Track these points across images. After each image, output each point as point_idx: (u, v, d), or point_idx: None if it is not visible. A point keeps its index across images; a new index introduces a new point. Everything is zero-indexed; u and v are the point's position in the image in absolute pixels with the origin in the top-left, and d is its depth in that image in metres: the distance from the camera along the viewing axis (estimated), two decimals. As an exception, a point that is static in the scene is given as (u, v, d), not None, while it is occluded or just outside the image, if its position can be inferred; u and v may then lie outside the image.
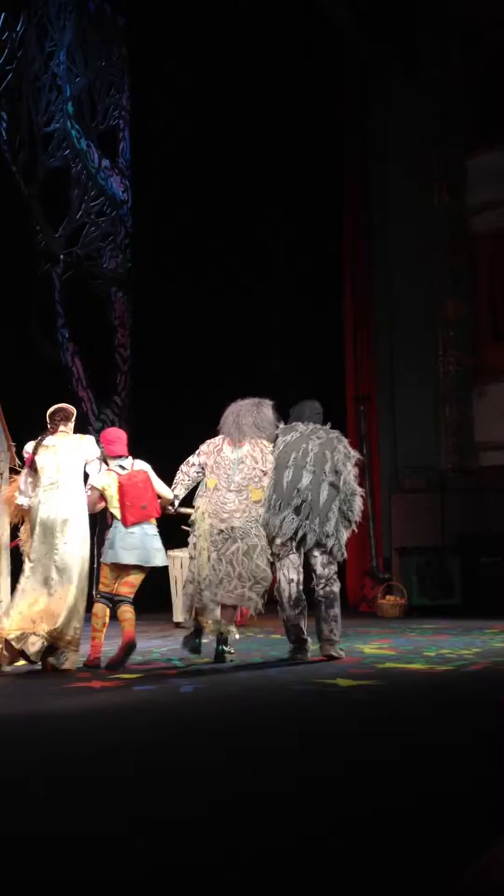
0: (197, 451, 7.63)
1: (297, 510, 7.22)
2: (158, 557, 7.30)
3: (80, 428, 8.12)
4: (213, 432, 7.70)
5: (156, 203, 13.30)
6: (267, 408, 7.67)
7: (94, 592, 7.50)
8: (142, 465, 7.44)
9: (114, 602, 7.20)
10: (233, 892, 2.78)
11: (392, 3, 12.75)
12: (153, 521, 7.33)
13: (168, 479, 7.65)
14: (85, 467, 7.40)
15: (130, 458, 7.46)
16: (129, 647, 7.02)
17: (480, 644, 8.09)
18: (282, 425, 7.62)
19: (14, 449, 7.55)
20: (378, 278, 12.86)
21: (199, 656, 7.45)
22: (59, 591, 7.05)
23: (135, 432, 11.16)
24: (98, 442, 7.58)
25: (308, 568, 7.36)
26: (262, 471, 7.40)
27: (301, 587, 7.33)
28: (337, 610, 7.31)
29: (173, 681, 6.45)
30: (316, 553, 7.28)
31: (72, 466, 7.26)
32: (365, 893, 2.74)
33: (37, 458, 7.23)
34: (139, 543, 7.17)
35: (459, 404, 12.69)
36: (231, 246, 13.16)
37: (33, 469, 7.23)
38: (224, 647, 7.30)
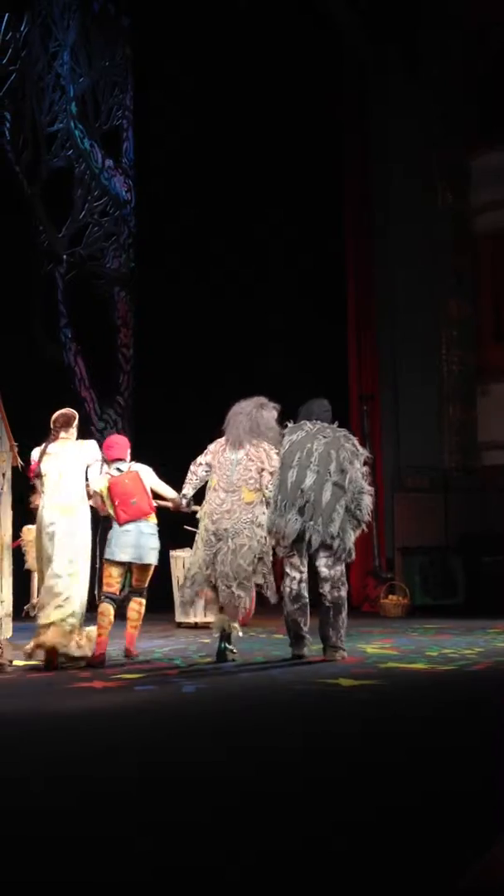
0: (205, 451, 7.61)
1: (301, 511, 7.15)
2: (152, 555, 7.46)
3: (83, 427, 8.13)
4: (217, 432, 7.67)
5: (157, 203, 13.32)
6: (268, 410, 7.55)
7: (96, 593, 7.53)
8: (138, 468, 7.52)
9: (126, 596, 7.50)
10: (235, 893, 2.77)
11: (392, 3, 12.76)
12: (151, 519, 7.40)
13: (170, 478, 7.70)
14: (87, 471, 7.44)
15: (128, 461, 7.53)
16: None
17: (483, 644, 8.09)
18: (290, 424, 7.55)
19: (17, 449, 7.56)
20: (381, 278, 12.86)
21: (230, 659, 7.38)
22: (64, 592, 7.09)
23: (137, 432, 11.16)
24: (101, 447, 7.65)
25: (314, 569, 7.28)
26: (260, 471, 7.36)
27: (303, 585, 7.30)
28: (344, 615, 7.24)
29: (175, 681, 6.45)
30: (322, 554, 7.19)
31: (73, 472, 7.31)
32: (367, 893, 2.74)
33: (41, 466, 7.32)
34: (134, 542, 7.33)
35: (462, 404, 12.71)
36: (232, 246, 13.17)
37: (37, 476, 7.36)
38: (227, 645, 7.30)
